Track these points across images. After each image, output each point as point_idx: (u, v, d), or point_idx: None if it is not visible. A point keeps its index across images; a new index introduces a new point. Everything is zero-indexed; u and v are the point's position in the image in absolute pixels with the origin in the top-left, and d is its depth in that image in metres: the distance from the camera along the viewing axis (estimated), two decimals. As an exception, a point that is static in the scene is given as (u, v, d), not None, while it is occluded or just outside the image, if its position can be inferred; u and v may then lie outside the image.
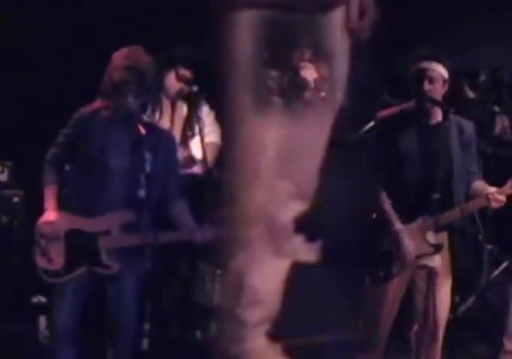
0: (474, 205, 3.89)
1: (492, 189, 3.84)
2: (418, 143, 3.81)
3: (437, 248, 3.74)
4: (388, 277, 3.75)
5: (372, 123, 3.95)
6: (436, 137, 3.78)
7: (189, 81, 4.43)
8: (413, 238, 3.76)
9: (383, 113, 3.93)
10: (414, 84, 3.80)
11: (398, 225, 3.75)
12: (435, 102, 3.79)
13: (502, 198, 3.81)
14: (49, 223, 3.54)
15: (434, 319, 3.79)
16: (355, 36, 2.28)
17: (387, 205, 3.77)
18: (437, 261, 3.73)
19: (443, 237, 3.85)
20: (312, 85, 2.23)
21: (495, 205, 3.82)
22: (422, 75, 3.77)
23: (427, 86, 3.76)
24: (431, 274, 3.74)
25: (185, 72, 4.45)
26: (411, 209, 3.78)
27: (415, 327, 3.90)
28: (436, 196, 3.72)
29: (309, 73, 2.23)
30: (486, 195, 3.81)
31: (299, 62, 2.22)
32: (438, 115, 3.83)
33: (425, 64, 3.78)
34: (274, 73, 2.19)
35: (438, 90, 3.80)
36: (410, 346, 3.95)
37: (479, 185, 3.94)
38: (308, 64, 2.23)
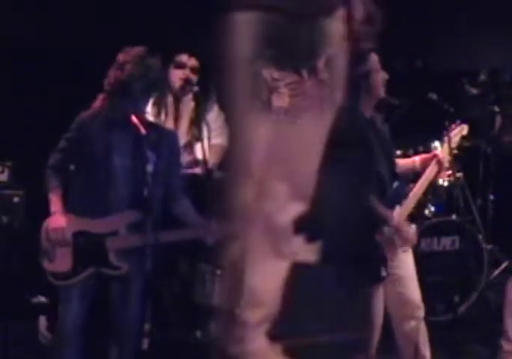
0: (430, 175, 3.96)
1: (438, 153, 4.00)
2: (376, 138, 3.82)
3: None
4: (387, 276, 3.76)
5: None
6: (377, 128, 3.85)
7: (193, 69, 4.33)
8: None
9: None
10: (368, 77, 3.77)
11: (395, 220, 3.77)
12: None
13: (448, 157, 4.01)
14: (58, 228, 3.54)
15: (413, 304, 3.84)
16: (357, 41, 2.28)
17: (379, 206, 3.78)
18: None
19: None
20: (311, 95, 2.23)
21: (446, 165, 4.01)
22: (380, 68, 3.80)
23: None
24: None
25: (183, 58, 4.34)
26: (389, 202, 3.82)
27: (398, 324, 3.91)
28: (396, 184, 3.83)
29: (310, 84, 2.23)
30: (438, 159, 3.95)
31: (302, 68, 2.22)
32: None
33: (376, 56, 3.79)
34: (275, 74, 2.19)
35: None
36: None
37: (400, 162, 4.07)
38: (311, 74, 2.23)
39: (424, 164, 4.01)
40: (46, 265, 3.56)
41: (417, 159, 4.09)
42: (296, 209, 2.27)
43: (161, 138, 3.64)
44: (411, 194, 3.88)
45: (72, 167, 3.70)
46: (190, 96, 4.40)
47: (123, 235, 3.55)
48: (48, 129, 3.77)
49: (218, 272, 4.05)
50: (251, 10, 2.16)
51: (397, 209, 3.81)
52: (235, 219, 2.25)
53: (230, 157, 2.32)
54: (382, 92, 3.80)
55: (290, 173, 2.24)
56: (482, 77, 6.12)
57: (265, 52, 2.17)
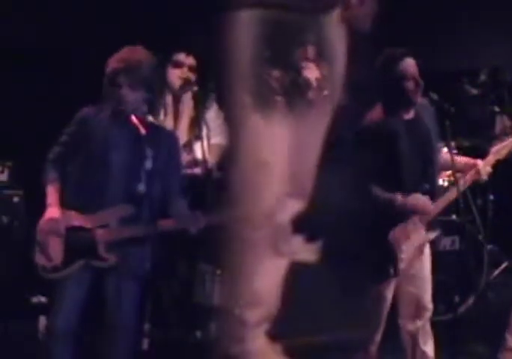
0: (467, 181, 3.95)
1: (479, 162, 3.95)
2: (408, 140, 3.81)
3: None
4: (396, 273, 3.75)
5: (365, 125, 3.92)
6: (418, 130, 3.83)
7: (191, 68, 4.31)
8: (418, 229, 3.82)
9: (373, 114, 3.91)
10: (402, 81, 3.77)
11: (400, 197, 3.75)
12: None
13: (490, 169, 3.96)
14: (52, 220, 3.55)
15: (422, 305, 3.85)
16: (354, 25, 2.28)
17: (381, 192, 3.76)
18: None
19: None
20: (314, 84, 2.23)
21: (485, 177, 3.96)
22: (415, 72, 3.78)
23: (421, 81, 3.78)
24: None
25: (181, 56, 4.32)
26: None
27: (403, 322, 3.90)
28: (427, 186, 3.81)
29: (311, 73, 2.23)
30: (477, 169, 3.91)
31: (300, 61, 2.22)
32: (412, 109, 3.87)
33: (412, 60, 3.79)
34: (276, 73, 2.19)
35: None
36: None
37: (445, 156, 4.04)
38: (310, 64, 2.23)
39: (463, 169, 3.97)
40: (37, 258, 3.56)
41: (461, 160, 4.04)
42: (295, 207, 2.27)
43: (160, 139, 3.64)
44: (443, 198, 3.87)
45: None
46: (189, 94, 4.39)
47: (113, 228, 3.56)
48: (48, 129, 3.76)
49: (218, 272, 4.05)
50: (252, 7, 2.16)
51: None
52: (240, 220, 2.25)
53: (230, 157, 2.32)
54: (415, 98, 3.78)
55: (291, 171, 2.24)
56: (482, 77, 6.11)
57: (265, 52, 2.16)
